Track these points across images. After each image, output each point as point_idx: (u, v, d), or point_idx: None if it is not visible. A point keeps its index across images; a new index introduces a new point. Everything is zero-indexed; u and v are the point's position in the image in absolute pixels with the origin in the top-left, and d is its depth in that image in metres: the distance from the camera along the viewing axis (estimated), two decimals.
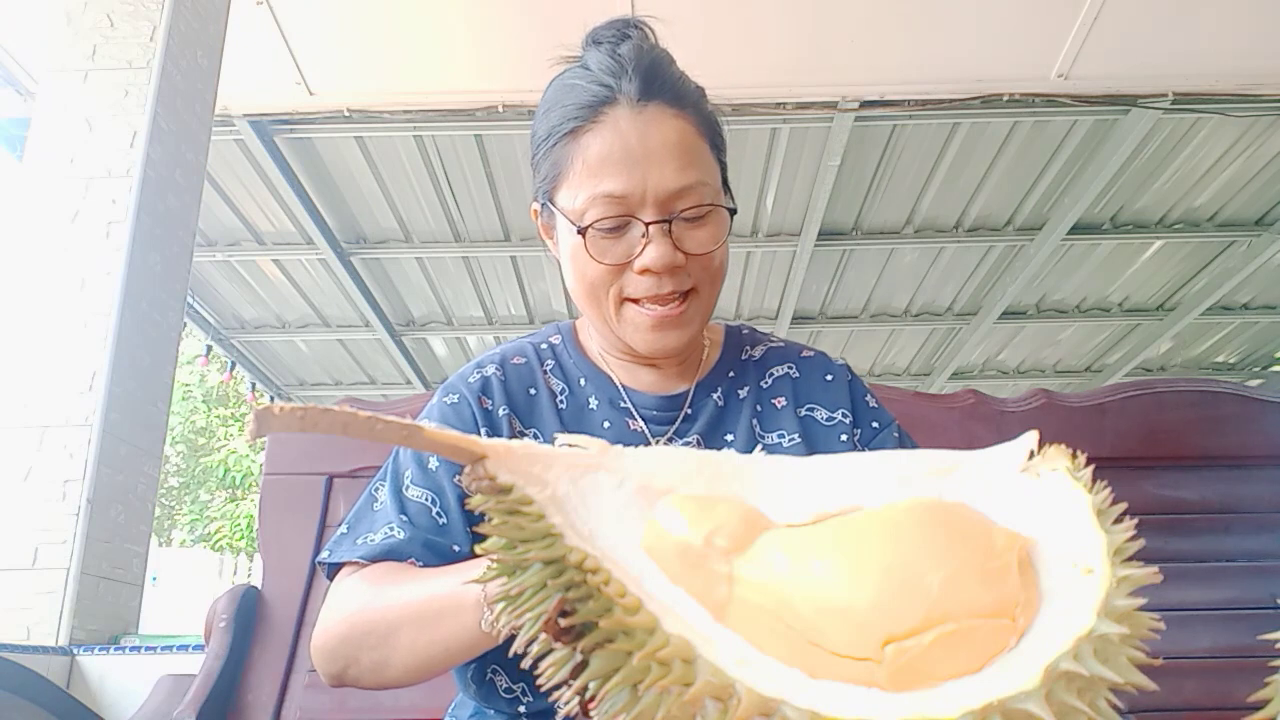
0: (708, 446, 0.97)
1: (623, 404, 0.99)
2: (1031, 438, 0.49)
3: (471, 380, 1.00)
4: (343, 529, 0.94)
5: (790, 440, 0.97)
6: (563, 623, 0.43)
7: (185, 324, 3.54)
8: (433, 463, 0.94)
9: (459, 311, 5.69)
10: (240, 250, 4.88)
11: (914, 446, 1.04)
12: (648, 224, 0.88)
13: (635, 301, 0.92)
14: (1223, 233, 4.79)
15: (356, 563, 0.90)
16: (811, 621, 0.41)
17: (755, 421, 0.99)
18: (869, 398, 1.04)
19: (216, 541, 14.18)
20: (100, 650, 1.99)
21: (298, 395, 6.75)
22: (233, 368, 6.17)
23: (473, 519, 0.91)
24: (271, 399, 6.69)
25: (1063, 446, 0.47)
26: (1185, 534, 1.49)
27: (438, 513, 0.92)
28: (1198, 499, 1.51)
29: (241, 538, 13.59)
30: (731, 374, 1.03)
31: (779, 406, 1.00)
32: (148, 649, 2.01)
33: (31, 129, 2.49)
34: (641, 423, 0.98)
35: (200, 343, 5.90)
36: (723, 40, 3.46)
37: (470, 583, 0.75)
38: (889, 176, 4.37)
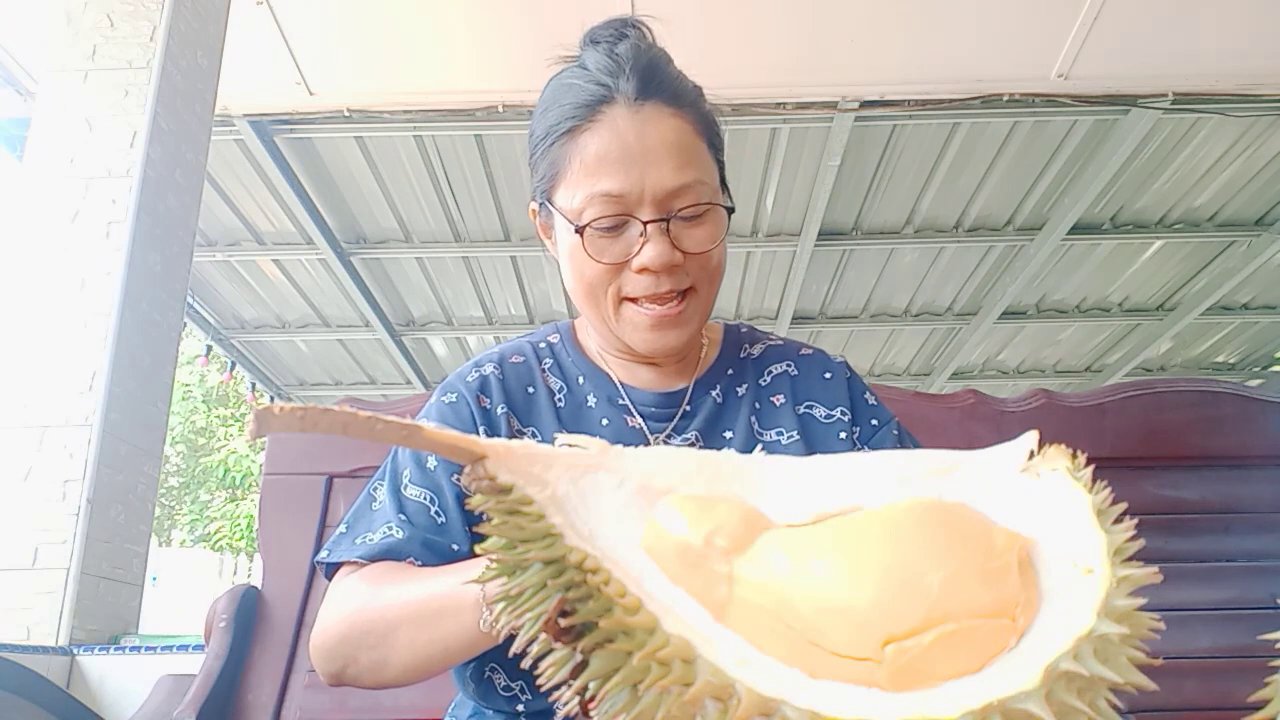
0: (706, 444, 0.97)
1: (621, 401, 0.99)
2: (1031, 438, 0.49)
3: (470, 379, 1.00)
4: (341, 529, 0.94)
5: (789, 438, 0.98)
6: (563, 623, 0.43)
7: (185, 324, 3.54)
8: (431, 462, 0.94)
9: (459, 311, 5.69)
10: (240, 250, 4.88)
11: (914, 443, 1.04)
12: (645, 223, 0.88)
13: (634, 301, 0.92)
14: (1223, 233, 4.79)
15: (355, 562, 0.90)
16: (811, 621, 0.41)
17: (754, 419, 0.99)
18: (868, 395, 1.04)
19: (216, 541, 14.18)
20: (100, 650, 1.99)
21: (298, 395, 6.75)
22: (233, 368, 6.17)
23: (471, 518, 0.91)
24: (271, 399, 6.69)
25: (1063, 446, 0.47)
26: (1185, 534, 1.49)
27: (436, 512, 0.92)
28: (1198, 499, 1.51)
29: (241, 538, 13.59)
30: (730, 372, 1.03)
31: (778, 404, 1.00)
32: (148, 649, 2.01)
33: (31, 129, 2.49)
34: (640, 419, 0.98)
35: (200, 343, 5.90)
36: (723, 40, 3.46)
37: (470, 582, 0.75)
38: (889, 176, 4.37)
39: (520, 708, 0.90)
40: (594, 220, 0.88)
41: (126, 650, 2.01)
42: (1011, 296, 5.30)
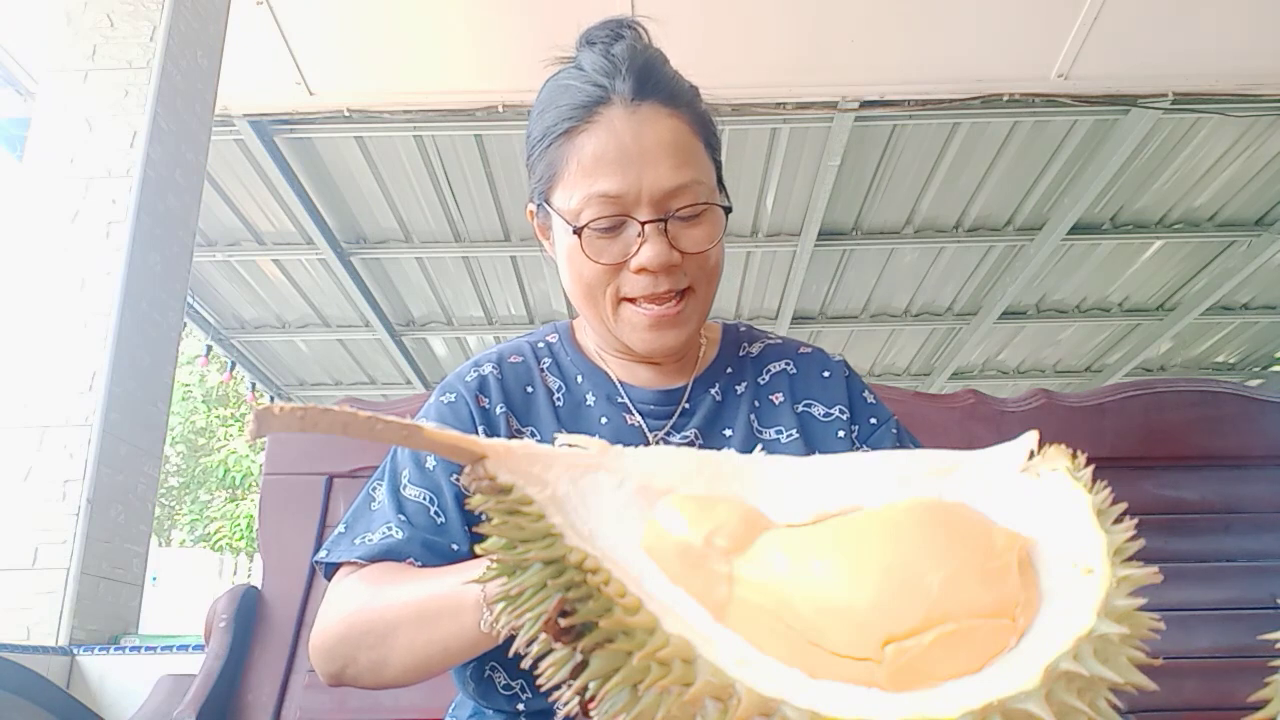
0: (705, 442, 0.97)
1: (619, 399, 0.99)
2: (1031, 438, 0.49)
3: (469, 379, 1.00)
4: (340, 529, 0.94)
5: (788, 436, 0.98)
6: (563, 623, 0.43)
7: (185, 324, 3.54)
8: (430, 462, 0.94)
9: (459, 311, 5.69)
10: (240, 250, 4.88)
11: (913, 442, 1.04)
12: (643, 223, 0.88)
13: (632, 301, 0.92)
14: (1223, 233, 4.79)
15: (354, 563, 0.90)
16: (811, 621, 0.41)
17: (753, 417, 0.99)
18: (866, 393, 1.04)
19: (216, 541, 14.17)
20: (100, 650, 1.99)
21: (298, 395, 6.75)
22: (233, 368, 6.17)
23: (471, 518, 0.91)
24: (271, 399, 6.69)
25: (1063, 446, 0.47)
26: (1185, 534, 1.49)
27: (435, 512, 0.92)
28: (1198, 499, 1.51)
29: (241, 538, 13.59)
30: (729, 370, 1.03)
31: (777, 402, 1.01)
32: (148, 649, 2.01)
33: (31, 129, 2.49)
34: (639, 417, 0.98)
35: (200, 343, 5.90)
36: (723, 40, 3.46)
37: (470, 583, 0.75)
38: (889, 176, 4.37)
39: (520, 707, 0.90)
40: (592, 221, 0.88)
41: (126, 650, 2.01)
42: (1011, 296, 5.30)
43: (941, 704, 0.37)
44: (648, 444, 0.95)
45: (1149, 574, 0.41)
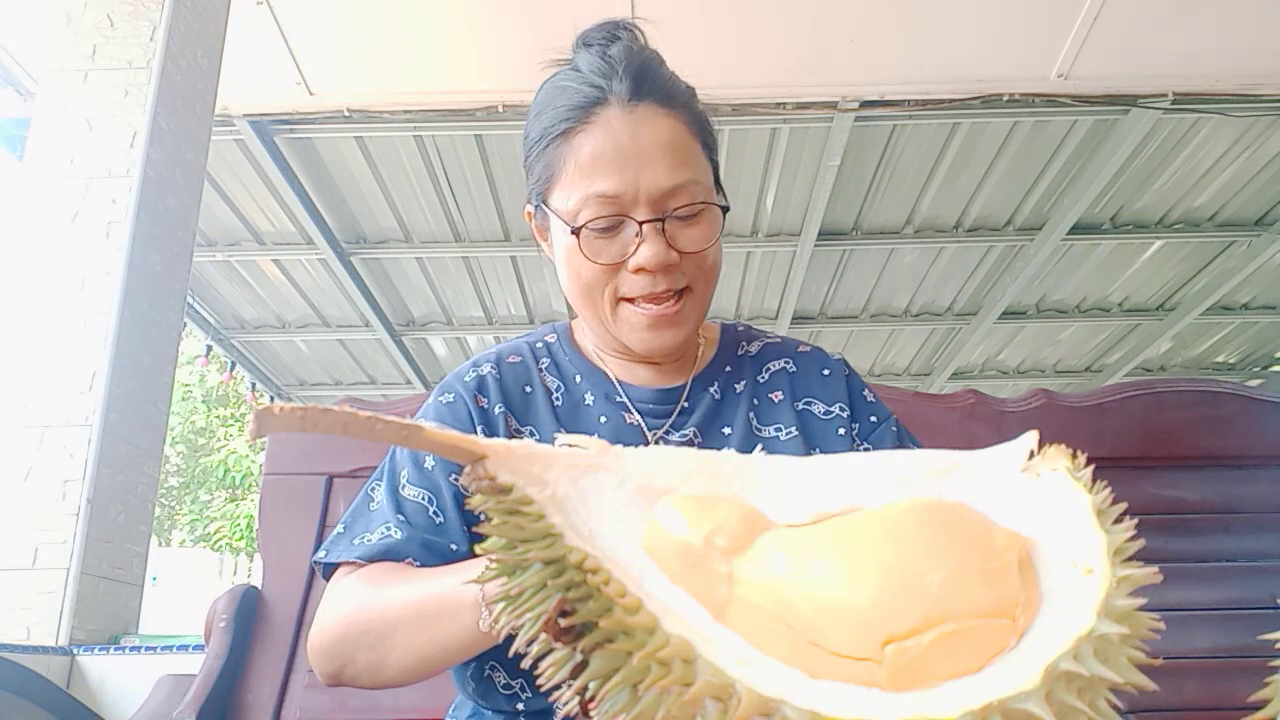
0: (704, 440, 0.97)
1: (618, 398, 0.99)
2: (1031, 438, 0.49)
3: (467, 379, 1.00)
4: (339, 529, 0.94)
5: (788, 434, 0.98)
6: (563, 623, 0.43)
7: (185, 324, 3.54)
8: (429, 462, 0.94)
9: (459, 311, 5.69)
10: (240, 250, 4.88)
11: (913, 441, 1.04)
12: (641, 223, 0.88)
13: (630, 301, 0.92)
14: (1223, 233, 4.79)
15: (353, 563, 0.90)
16: (811, 621, 0.41)
17: (752, 415, 0.99)
18: (866, 392, 1.04)
19: (216, 541, 14.17)
20: (100, 650, 1.98)
21: (298, 395, 6.75)
22: (233, 368, 6.16)
23: (470, 518, 0.91)
24: (271, 399, 6.69)
25: (1063, 446, 0.47)
26: (1185, 534, 1.49)
27: (434, 512, 0.92)
28: (1198, 499, 1.51)
29: (241, 538, 13.59)
30: (728, 369, 1.03)
31: (776, 401, 1.01)
32: (148, 649, 2.01)
33: (31, 129, 2.49)
34: (638, 416, 0.98)
35: (200, 343, 5.90)
36: (723, 40, 3.45)
37: (469, 582, 0.75)
38: (889, 176, 4.37)
39: (520, 706, 0.90)
40: (590, 221, 0.89)
41: (126, 650, 2.01)
42: (1011, 296, 5.30)
43: (941, 704, 0.37)
44: (647, 443, 0.95)
45: (1149, 574, 0.41)
